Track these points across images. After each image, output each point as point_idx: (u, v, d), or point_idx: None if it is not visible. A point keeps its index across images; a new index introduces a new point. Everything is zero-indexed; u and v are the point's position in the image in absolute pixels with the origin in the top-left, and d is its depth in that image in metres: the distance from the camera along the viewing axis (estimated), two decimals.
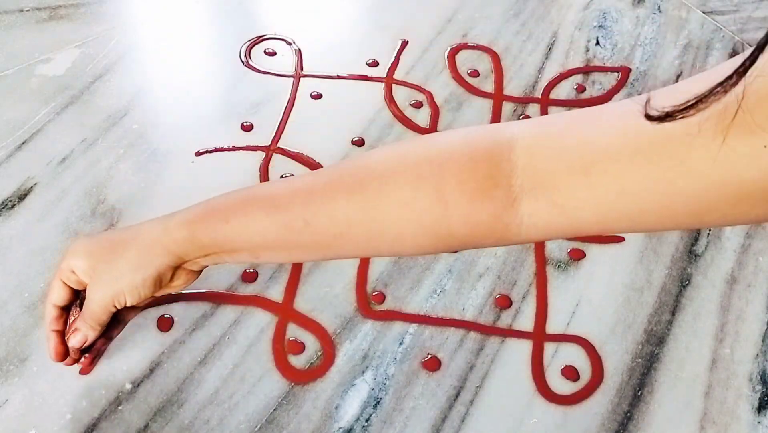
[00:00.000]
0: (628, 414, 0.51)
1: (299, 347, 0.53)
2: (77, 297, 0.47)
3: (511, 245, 0.59)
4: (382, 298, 0.57)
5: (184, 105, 0.70)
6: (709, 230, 0.63)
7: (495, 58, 0.77)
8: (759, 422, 0.51)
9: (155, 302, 0.52)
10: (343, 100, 0.72)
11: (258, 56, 0.75)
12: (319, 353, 0.53)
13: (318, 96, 0.72)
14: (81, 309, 0.47)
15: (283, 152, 0.66)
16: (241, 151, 0.66)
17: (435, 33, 0.80)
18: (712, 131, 0.28)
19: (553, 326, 0.56)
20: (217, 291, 0.56)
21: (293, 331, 0.54)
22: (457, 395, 0.52)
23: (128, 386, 0.50)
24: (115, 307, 0.45)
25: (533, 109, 0.73)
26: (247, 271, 0.57)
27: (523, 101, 0.73)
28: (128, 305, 0.45)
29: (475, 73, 0.76)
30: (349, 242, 0.41)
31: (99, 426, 0.48)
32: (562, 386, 0.52)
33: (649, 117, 0.29)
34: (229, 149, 0.66)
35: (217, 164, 0.65)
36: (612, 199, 0.33)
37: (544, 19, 0.83)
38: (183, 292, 0.54)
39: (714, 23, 0.84)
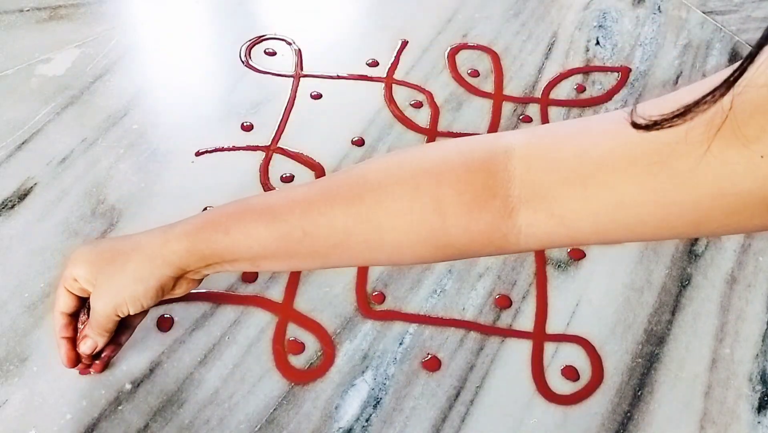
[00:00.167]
0: (628, 414, 0.51)
1: (299, 347, 0.53)
2: (84, 303, 0.48)
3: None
4: (382, 298, 0.57)
5: (184, 105, 0.70)
6: None
7: (495, 58, 0.77)
8: (759, 422, 0.51)
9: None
10: (343, 100, 0.72)
11: (258, 56, 0.75)
12: (319, 353, 0.53)
13: (318, 96, 0.72)
14: (89, 315, 0.47)
15: (283, 152, 0.66)
16: (241, 151, 0.66)
17: (435, 33, 0.80)
18: (699, 141, 0.28)
19: (553, 326, 0.56)
20: (217, 291, 0.56)
21: (293, 331, 0.54)
22: (457, 395, 0.52)
23: (128, 386, 0.50)
24: (118, 316, 0.45)
25: (533, 109, 0.73)
26: (247, 271, 0.57)
27: (523, 101, 0.73)
28: (131, 314, 0.45)
29: (475, 73, 0.76)
30: (347, 252, 0.41)
31: (99, 426, 0.48)
32: (562, 386, 0.52)
33: (635, 125, 0.29)
34: (229, 149, 0.66)
35: (217, 164, 0.65)
36: (609, 211, 0.33)
37: (544, 19, 0.83)
38: None
39: (714, 23, 0.84)
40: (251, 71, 0.74)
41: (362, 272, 0.58)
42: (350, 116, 0.70)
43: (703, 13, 0.85)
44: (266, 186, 0.63)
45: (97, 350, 0.48)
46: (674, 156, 0.30)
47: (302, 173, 0.65)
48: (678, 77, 0.77)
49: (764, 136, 0.27)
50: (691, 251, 0.61)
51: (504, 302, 0.57)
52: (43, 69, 0.71)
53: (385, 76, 0.75)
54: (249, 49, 0.76)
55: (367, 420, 0.50)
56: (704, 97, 0.27)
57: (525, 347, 0.54)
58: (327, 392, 0.51)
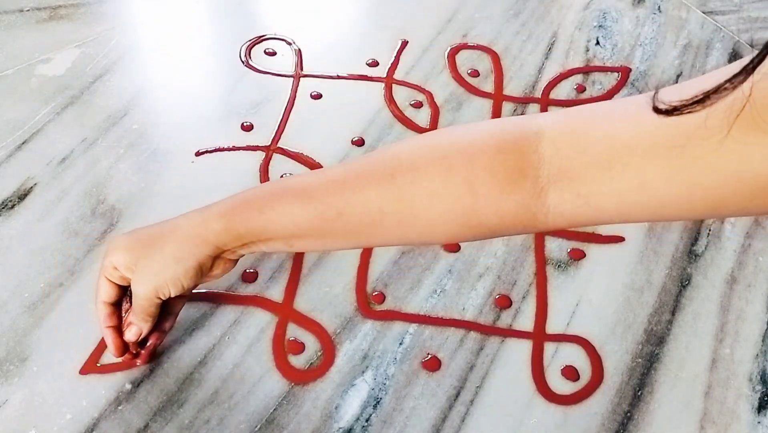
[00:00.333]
0: (628, 414, 0.51)
1: (299, 347, 0.53)
2: (125, 292, 0.49)
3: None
4: (382, 298, 0.57)
5: (184, 105, 0.70)
6: (709, 230, 0.63)
7: (495, 58, 0.77)
8: (759, 422, 0.51)
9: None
10: (343, 100, 0.72)
11: (258, 56, 0.75)
12: (319, 353, 0.53)
13: (318, 96, 0.72)
14: (131, 304, 0.48)
15: (283, 152, 0.66)
16: (241, 151, 0.66)
17: (435, 33, 0.80)
18: (719, 127, 0.29)
19: (553, 326, 0.56)
20: (217, 291, 0.56)
21: (293, 331, 0.54)
22: (457, 395, 0.52)
23: (128, 386, 0.50)
24: (160, 298, 0.47)
25: (533, 109, 0.73)
26: (247, 271, 0.57)
27: (523, 101, 0.73)
28: (172, 295, 0.47)
29: (475, 73, 0.76)
30: (380, 231, 0.42)
31: (99, 426, 0.48)
32: (562, 386, 0.52)
33: (656, 110, 0.30)
34: (229, 149, 0.66)
35: (217, 164, 0.65)
36: (633, 192, 0.35)
37: (544, 19, 0.83)
38: None
39: (714, 23, 0.84)
40: (251, 71, 0.74)
41: (362, 272, 0.58)
42: (350, 116, 0.70)
43: (703, 13, 0.85)
44: None
45: (143, 336, 0.49)
46: (694, 141, 0.31)
47: None
48: (678, 77, 0.77)
49: None
50: (691, 251, 0.61)
51: (504, 302, 0.57)
52: (43, 69, 0.71)
53: (385, 76, 0.75)
54: (249, 49, 0.76)
55: (367, 420, 0.50)
56: (724, 83, 0.27)
57: (525, 347, 0.54)
58: (327, 392, 0.51)
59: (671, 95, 0.30)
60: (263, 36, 0.78)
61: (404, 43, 0.78)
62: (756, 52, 0.27)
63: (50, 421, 0.48)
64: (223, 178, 0.63)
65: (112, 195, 0.61)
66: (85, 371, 0.50)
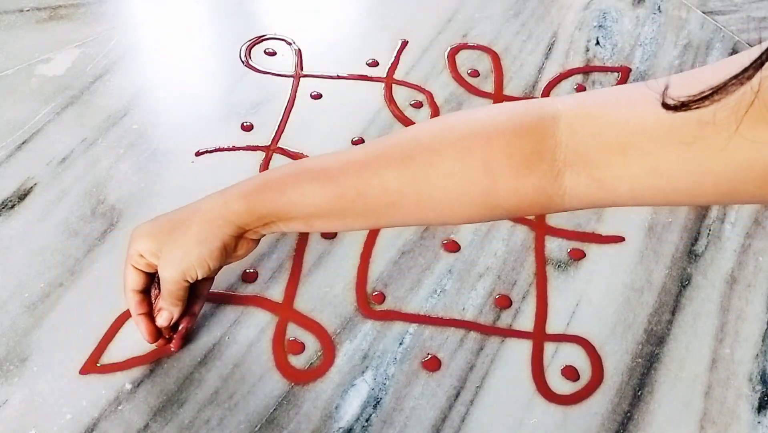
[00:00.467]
0: (628, 414, 0.51)
1: (299, 347, 0.53)
2: (152, 279, 0.49)
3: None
4: (382, 298, 0.57)
5: (184, 105, 0.70)
6: (709, 230, 0.63)
7: (495, 58, 0.77)
8: (759, 422, 0.51)
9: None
10: (343, 100, 0.72)
11: (258, 56, 0.75)
12: (319, 353, 0.53)
13: (318, 96, 0.72)
14: (159, 290, 0.49)
15: (283, 152, 0.66)
16: (241, 151, 0.66)
17: (435, 33, 0.80)
18: (728, 121, 0.30)
19: (553, 326, 0.56)
20: (217, 291, 0.56)
21: (293, 331, 0.54)
22: (457, 395, 0.52)
23: (128, 386, 0.50)
24: (187, 282, 0.47)
25: None
26: (247, 271, 0.57)
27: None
28: (199, 277, 0.47)
29: (475, 73, 0.76)
30: (399, 211, 0.43)
31: (99, 426, 0.48)
32: (562, 386, 0.52)
33: (665, 105, 0.30)
34: (229, 149, 0.66)
35: (217, 164, 0.65)
36: (646, 177, 0.36)
37: (544, 19, 0.83)
38: None
39: (714, 23, 0.84)
40: (251, 71, 0.74)
41: (362, 272, 0.58)
42: (350, 116, 0.70)
43: (703, 13, 0.85)
44: None
45: (174, 320, 0.49)
46: (704, 135, 0.32)
47: None
48: None
49: None
50: (691, 251, 0.61)
51: (504, 302, 0.57)
52: (43, 69, 0.71)
53: (385, 76, 0.75)
54: (249, 49, 0.76)
55: (367, 420, 0.50)
56: (732, 79, 0.28)
57: (525, 347, 0.54)
58: (327, 392, 0.51)
59: (678, 90, 0.30)
60: (263, 36, 0.78)
61: (404, 43, 0.78)
62: (763, 47, 0.27)
63: (50, 421, 0.48)
64: (223, 178, 0.63)
65: (112, 195, 0.61)
66: (85, 371, 0.51)
